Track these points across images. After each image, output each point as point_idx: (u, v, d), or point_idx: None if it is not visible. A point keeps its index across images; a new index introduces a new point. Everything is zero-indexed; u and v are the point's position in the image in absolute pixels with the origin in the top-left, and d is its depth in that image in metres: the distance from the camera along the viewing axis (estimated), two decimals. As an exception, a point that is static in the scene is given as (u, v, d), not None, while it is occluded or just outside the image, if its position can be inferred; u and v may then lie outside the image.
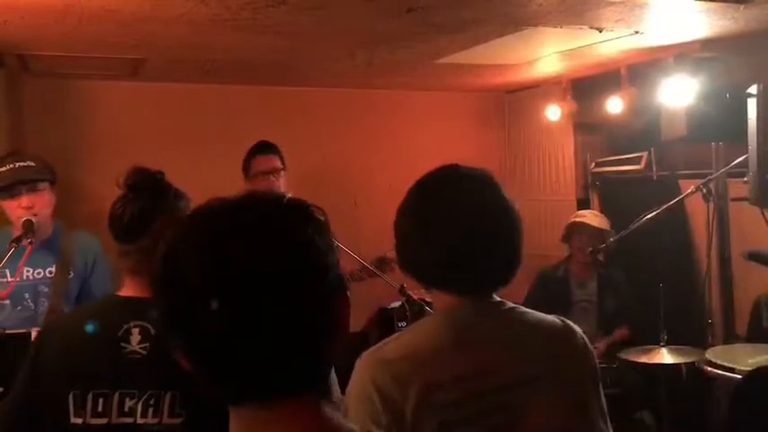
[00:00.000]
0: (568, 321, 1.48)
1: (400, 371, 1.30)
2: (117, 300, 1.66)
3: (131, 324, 1.56)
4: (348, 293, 0.93)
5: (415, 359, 1.32)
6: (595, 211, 4.46)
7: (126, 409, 1.53)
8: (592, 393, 1.44)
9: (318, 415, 0.89)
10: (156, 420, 1.53)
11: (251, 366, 0.83)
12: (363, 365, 1.36)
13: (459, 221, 1.38)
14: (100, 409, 1.52)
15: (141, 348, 1.55)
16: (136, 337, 1.55)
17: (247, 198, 0.89)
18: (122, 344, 1.55)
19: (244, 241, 0.82)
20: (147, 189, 1.64)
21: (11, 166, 2.73)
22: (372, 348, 1.40)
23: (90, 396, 1.52)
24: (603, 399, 1.46)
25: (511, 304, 1.43)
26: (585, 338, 1.47)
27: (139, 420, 1.53)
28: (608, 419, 1.45)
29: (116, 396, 1.52)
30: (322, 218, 0.89)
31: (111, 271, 2.93)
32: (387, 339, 1.41)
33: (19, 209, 2.69)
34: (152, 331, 1.56)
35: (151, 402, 1.53)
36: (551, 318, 1.46)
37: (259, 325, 0.81)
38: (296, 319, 0.83)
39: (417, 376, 1.29)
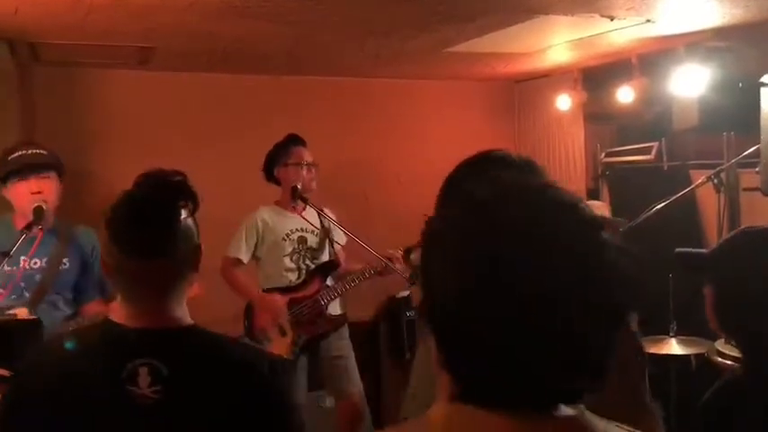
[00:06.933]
0: None
1: None
2: (117, 329, 1.36)
3: (137, 362, 1.30)
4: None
5: None
6: (602, 202, 4.44)
7: None
8: (630, 354, 1.48)
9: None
10: None
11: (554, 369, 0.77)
12: None
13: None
14: None
15: (152, 392, 1.30)
16: (144, 378, 1.30)
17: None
18: (128, 386, 1.29)
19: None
20: (175, 197, 1.37)
21: (22, 152, 2.78)
22: None
23: None
24: (645, 358, 1.53)
25: None
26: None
27: None
28: (646, 377, 1.51)
29: None
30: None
31: None
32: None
33: (28, 194, 2.71)
34: (164, 372, 1.30)
35: None
36: None
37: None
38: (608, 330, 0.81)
39: None
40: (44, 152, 2.80)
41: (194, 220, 1.42)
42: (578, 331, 0.77)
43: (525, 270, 0.76)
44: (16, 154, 2.76)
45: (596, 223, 0.82)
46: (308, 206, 3.62)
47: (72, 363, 1.35)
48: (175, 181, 1.40)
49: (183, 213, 1.38)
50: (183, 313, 1.42)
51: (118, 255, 1.35)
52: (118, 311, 1.39)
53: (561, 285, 0.76)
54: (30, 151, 2.77)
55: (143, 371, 1.30)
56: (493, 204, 0.81)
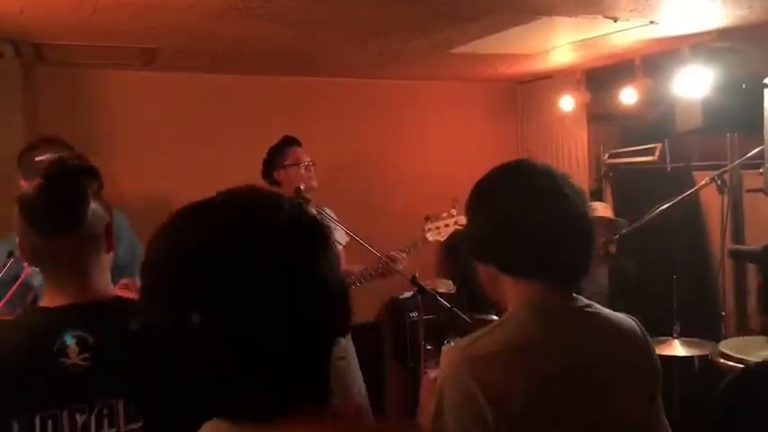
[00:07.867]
0: (635, 318, 1.50)
1: (506, 364, 1.27)
2: (43, 311, 1.51)
3: (66, 336, 1.45)
4: (349, 302, 0.95)
5: (521, 352, 1.29)
6: (603, 203, 4.44)
7: (79, 425, 1.44)
8: (657, 388, 1.47)
9: (323, 425, 0.91)
10: (113, 430, 1.46)
11: (259, 378, 0.86)
12: (457, 362, 1.30)
13: (559, 208, 1.37)
14: (50, 430, 1.42)
15: (82, 360, 1.44)
16: (73, 348, 1.44)
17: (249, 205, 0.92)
18: (60, 359, 1.43)
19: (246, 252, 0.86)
20: (76, 175, 1.50)
21: (49, 155, 2.75)
22: (460, 344, 1.35)
23: (38, 420, 1.42)
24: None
25: (585, 300, 1.43)
26: (647, 335, 1.49)
27: None
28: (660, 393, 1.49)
29: (65, 414, 1.43)
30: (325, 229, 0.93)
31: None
32: (475, 335, 1.35)
33: None
34: (90, 340, 1.45)
35: (105, 413, 1.45)
36: (622, 314, 1.49)
37: (260, 336, 0.86)
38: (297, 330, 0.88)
39: (527, 368, 1.27)
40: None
41: (102, 199, 1.53)
42: (288, 349, 0.86)
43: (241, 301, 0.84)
44: (43, 157, 2.71)
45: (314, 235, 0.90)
46: (309, 206, 3.63)
47: (5, 348, 1.45)
48: (77, 164, 1.51)
49: (89, 192, 1.50)
50: (106, 287, 1.55)
51: (34, 237, 1.47)
52: (46, 298, 1.51)
53: (271, 304, 0.84)
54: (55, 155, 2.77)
55: (71, 342, 1.44)
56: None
